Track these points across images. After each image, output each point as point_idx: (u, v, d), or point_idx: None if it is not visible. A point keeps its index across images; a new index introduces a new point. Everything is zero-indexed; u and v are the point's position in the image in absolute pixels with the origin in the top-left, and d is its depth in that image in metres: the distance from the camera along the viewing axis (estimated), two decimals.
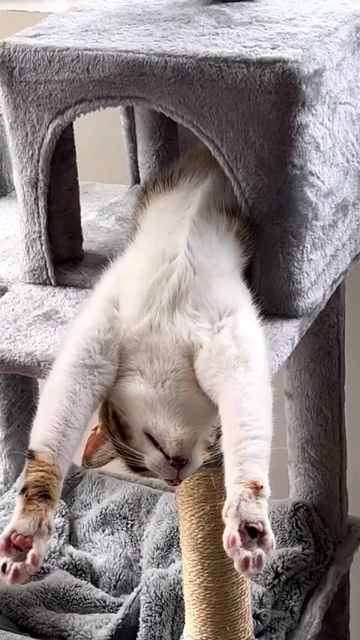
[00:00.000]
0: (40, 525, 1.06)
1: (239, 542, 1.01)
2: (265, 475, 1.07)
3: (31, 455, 1.11)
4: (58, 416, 1.13)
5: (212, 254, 1.24)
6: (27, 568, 1.04)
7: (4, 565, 1.04)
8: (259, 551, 1.02)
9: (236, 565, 1.02)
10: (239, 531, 1.02)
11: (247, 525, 1.02)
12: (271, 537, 1.03)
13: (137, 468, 1.18)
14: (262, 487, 1.05)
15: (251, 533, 1.02)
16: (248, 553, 1.01)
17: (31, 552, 1.04)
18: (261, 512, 1.03)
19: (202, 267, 1.22)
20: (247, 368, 1.13)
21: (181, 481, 1.15)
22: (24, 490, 1.09)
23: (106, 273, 1.27)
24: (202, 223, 1.27)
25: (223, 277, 1.22)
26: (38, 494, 1.08)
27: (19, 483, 1.14)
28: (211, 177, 1.32)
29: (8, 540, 1.05)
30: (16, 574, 1.04)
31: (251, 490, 1.04)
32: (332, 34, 1.31)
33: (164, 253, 1.23)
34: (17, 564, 1.04)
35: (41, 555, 1.05)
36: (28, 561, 1.04)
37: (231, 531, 1.02)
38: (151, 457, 1.14)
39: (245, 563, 1.01)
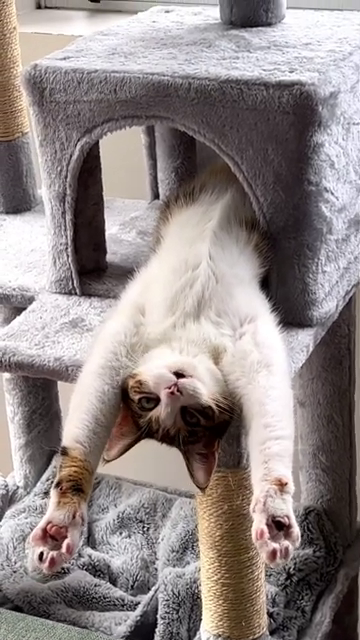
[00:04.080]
0: (74, 516, 1.13)
1: (267, 535, 1.07)
2: (289, 472, 1.13)
3: (64, 452, 1.17)
4: (88, 415, 1.19)
5: (233, 264, 1.30)
6: (62, 556, 1.10)
7: (41, 554, 1.11)
8: (286, 543, 1.08)
9: (264, 557, 1.08)
10: (266, 525, 1.08)
11: (274, 519, 1.09)
12: (296, 530, 1.09)
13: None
14: (286, 484, 1.11)
15: (278, 527, 1.09)
16: (276, 545, 1.08)
17: (66, 541, 1.11)
18: (286, 507, 1.10)
19: (224, 276, 1.28)
20: (269, 372, 1.19)
21: (180, 393, 1.15)
22: (59, 484, 1.15)
23: (131, 282, 1.34)
24: (223, 235, 1.33)
25: (243, 286, 1.29)
26: (72, 488, 1.14)
27: (54, 478, 1.19)
28: (231, 192, 1.39)
29: (44, 531, 1.12)
30: (52, 562, 1.10)
31: (276, 487, 1.11)
32: (346, 58, 1.38)
33: (187, 263, 1.29)
34: (53, 553, 1.11)
35: (75, 544, 1.11)
36: (63, 550, 1.10)
37: (259, 525, 1.08)
38: (157, 372, 1.17)
39: (273, 554, 1.07)
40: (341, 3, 1.95)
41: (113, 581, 1.73)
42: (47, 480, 1.87)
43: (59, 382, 1.75)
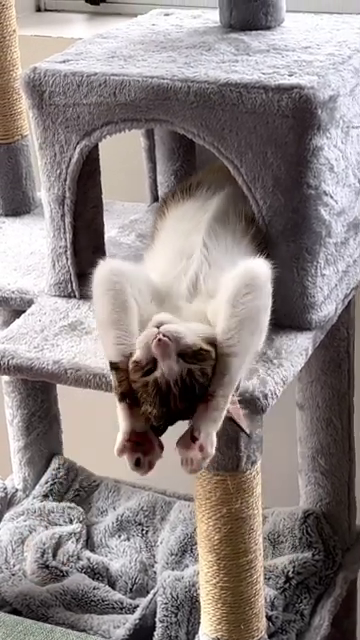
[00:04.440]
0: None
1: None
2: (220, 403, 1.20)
3: (115, 367, 1.22)
4: (120, 329, 1.23)
5: (227, 252, 1.32)
6: (156, 457, 1.18)
7: (137, 460, 1.16)
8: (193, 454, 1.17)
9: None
10: None
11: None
12: (208, 449, 1.18)
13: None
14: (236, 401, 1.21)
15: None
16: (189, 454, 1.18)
17: (156, 443, 1.18)
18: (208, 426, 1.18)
19: (216, 261, 1.31)
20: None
21: (168, 338, 1.18)
22: (124, 397, 1.20)
23: None
24: (218, 226, 1.35)
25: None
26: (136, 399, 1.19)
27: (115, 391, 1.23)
28: (228, 188, 1.40)
29: (130, 441, 1.17)
30: (150, 464, 1.17)
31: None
32: (346, 62, 1.38)
33: (182, 253, 1.32)
34: (148, 456, 1.17)
35: (161, 445, 1.19)
36: (157, 451, 1.18)
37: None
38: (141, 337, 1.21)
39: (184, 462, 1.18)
40: (340, 6, 1.95)
41: (112, 584, 1.73)
42: (46, 483, 1.87)
43: (58, 385, 1.74)
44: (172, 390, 1.17)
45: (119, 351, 1.23)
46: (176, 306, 1.28)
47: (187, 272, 1.30)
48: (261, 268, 1.25)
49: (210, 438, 1.18)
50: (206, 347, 1.19)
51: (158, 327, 1.19)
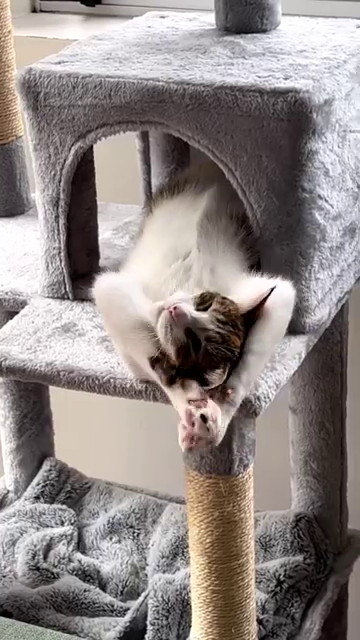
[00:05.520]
0: None
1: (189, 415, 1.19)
2: (239, 383, 1.23)
3: (156, 360, 1.23)
4: (145, 327, 1.24)
5: (219, 251, 1.34)
6: (217, 411, 1.20)
7: (203, 416, 1.18)
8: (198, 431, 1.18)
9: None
10: None
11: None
12: (214, 430, 1.19)
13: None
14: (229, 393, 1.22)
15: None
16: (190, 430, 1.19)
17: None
18: (215, 412, 1.20)
19: (210, 262, 1.32)
20: None
21: (178, 314, 1.20)
22: (173, 380, 1.23)
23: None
24: (210, 225, 1.36)
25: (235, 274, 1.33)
26: None
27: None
28: (217, 185, 1.40)
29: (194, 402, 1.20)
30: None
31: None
32: (341, 66, 1.38)
33: (175, 251, 1.33)
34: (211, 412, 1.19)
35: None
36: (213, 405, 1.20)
37: (187, 407, 1.20)
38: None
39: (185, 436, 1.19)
40: (336, 10, 1.95)
41: (103, 586, 1.73)
42: (37, 484, 1.87)
43: (50, 386, 1.74)
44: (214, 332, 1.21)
45: (155, 344, 1.23)
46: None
47: (188, 276, 1.30)
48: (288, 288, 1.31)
49: (223, 426, 1.19)
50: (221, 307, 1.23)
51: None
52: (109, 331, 1.32)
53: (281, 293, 1.27)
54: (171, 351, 1.21)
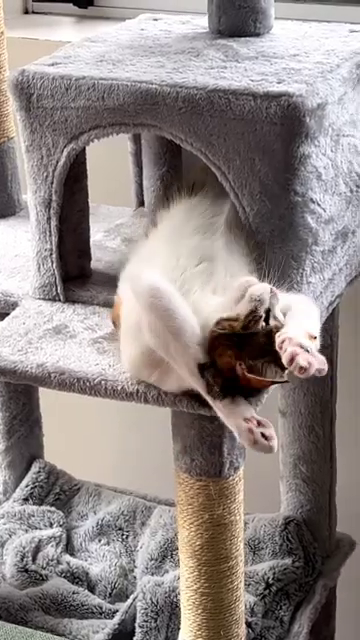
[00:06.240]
0: None
1: (293, 341, 1.17)
2: (317, 330, 1.24)
3: (204, 367, 1.21)
4: (193, 331, 1.23)
5: (238, 258, 1.35)
6: (270, 427, 1.21)
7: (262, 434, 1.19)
8: (309, 356, 1.17)
9: (285, 358, 1.16)
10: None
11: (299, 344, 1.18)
12: (322, 357, 1.18)
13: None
14: (315, 337, 1.21)
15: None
16: (298, 349, 1.17)
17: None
18: (314, 347, 1.19)
19: (234, 271, 1.32)
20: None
21: (274, 294, 1.22)
22: (225, 394, 1.22)
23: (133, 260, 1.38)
24: (231, 231, 1.36)
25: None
26: None
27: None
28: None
29: (251, 421, 1.20)
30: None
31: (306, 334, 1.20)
32: (334, 70, 1.39)
33: (203, 251, 1.33)
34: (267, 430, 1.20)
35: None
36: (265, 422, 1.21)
37: (288, 333, 1.19)
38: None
39: (294, 354, 1.16)
40: (329, 15, 1.96)
41: (91, 588, 1.73)
42: (26, 486, 1.87)
43: (40, 388, 1.74)
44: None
45: (201, 350, 1.21)
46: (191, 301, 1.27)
47: (211, 278, 1.30)
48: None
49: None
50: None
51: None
52: (150, 330, 1.24)
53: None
54: (244, 311, 1.20)
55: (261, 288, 1.22)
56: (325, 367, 1.18)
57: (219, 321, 1.22)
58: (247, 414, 1.20)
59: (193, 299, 1.27)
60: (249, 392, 1.22)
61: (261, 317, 1.20)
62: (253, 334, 1.21)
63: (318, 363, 1.17)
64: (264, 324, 1.21)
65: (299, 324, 1.22)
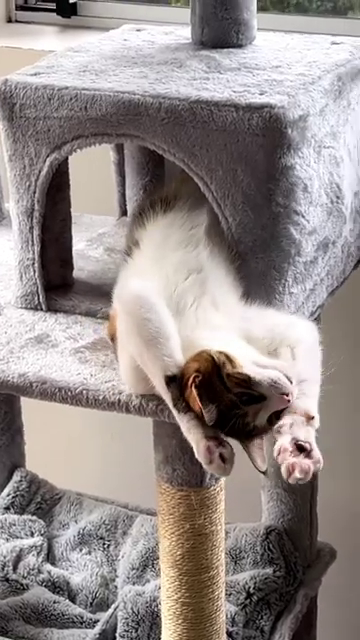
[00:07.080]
0: None
1: (289, 450, 1.14)
2: (316, 410, 1.21)
3: (173, 379, 1.20)
4: (171, 341, 1.21)
5: (222, 268, 1.35)
6: (230, 452, 1.18)
7: (221, 455, 1.17)
8: (306, 461, 1.14)
9: (283, 471, 1.14)
10: (289, 444, 1.14)
11: (296, 442, 1.15)
12: (318, 454, 1.15)
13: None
14: (313, 418, 1.19)
15: (299, 449, 1.15)
16: (295, 460, 1.13)
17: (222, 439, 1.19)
18: (310, 436, 1.16)
19: (222, 281, 1.33)
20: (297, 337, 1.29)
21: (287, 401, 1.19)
22: (189, 408, 1.20)
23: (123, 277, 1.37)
24: (212, 241, 1.36)
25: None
26: None
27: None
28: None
29: (211, 440, 1.17)
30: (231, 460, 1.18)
31: (304, 418, 1.17)
32: (316, 82, 1.40)
33: (188, 264, 1.33)
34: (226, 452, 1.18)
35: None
36: (228, 446, 1.19)
37: (283, 442, 1.15)
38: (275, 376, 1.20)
39: (292, 468, 1.13)
40: (311, 26, 1.97)
41: (72, 598, 1.73)
42: (7, 495, 1.86)
43: (22, 397, 1.74)
44: (248, 425, 1.20)
45: (175, 363, 1.21)
46: (195, 317, 1.28)
47: (203, 290, 1.30)
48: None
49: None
50: None
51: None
52: (128, 336, 1.25)
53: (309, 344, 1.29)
54: (257, 384, 1.18)
55: (290, 390, 1.19)
56: (321, 464, 1.17)
57: (229, 374, 1.19)
58: (210, 432, 1.19)
59: (197, 316, 1.27)
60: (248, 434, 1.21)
61: (255, 401, 1.18)
62: (228, 388, 1.19)
63: (314, 463, 1.15)
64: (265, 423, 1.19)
65: (297, 408, 1.20)
